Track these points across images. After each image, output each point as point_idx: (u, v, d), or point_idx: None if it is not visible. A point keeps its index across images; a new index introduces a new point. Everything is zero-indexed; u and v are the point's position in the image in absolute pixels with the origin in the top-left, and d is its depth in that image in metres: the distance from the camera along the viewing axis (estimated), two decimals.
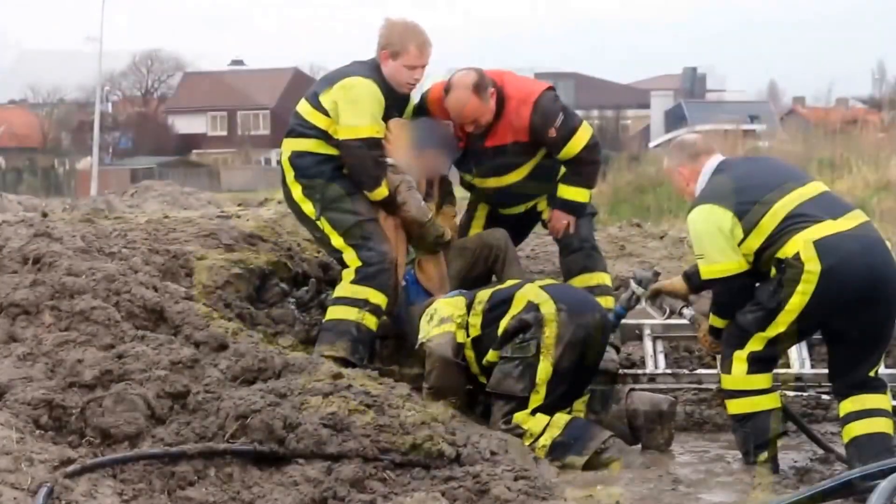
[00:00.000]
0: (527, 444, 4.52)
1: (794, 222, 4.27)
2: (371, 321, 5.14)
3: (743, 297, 4.39)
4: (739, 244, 4.32)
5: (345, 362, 4.97)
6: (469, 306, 4.81)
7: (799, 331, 4.39)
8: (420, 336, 4.87)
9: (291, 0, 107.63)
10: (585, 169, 5.41)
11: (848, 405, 4.37)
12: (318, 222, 5.24)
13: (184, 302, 4.82)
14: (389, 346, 5.56)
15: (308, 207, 5.25)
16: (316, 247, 6.28)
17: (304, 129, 5.26)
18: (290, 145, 5.30)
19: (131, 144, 55.71)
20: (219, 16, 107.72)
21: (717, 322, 4.53)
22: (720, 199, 4.36)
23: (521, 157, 5.41)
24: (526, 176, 5.47)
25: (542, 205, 5.59)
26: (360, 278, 5.14)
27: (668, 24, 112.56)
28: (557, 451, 4.51)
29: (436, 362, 4.76)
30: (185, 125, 58.26)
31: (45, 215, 6.54)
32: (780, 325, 4.31)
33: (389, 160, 5.21)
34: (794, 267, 4.23)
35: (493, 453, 4.03)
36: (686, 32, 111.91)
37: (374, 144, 5.18)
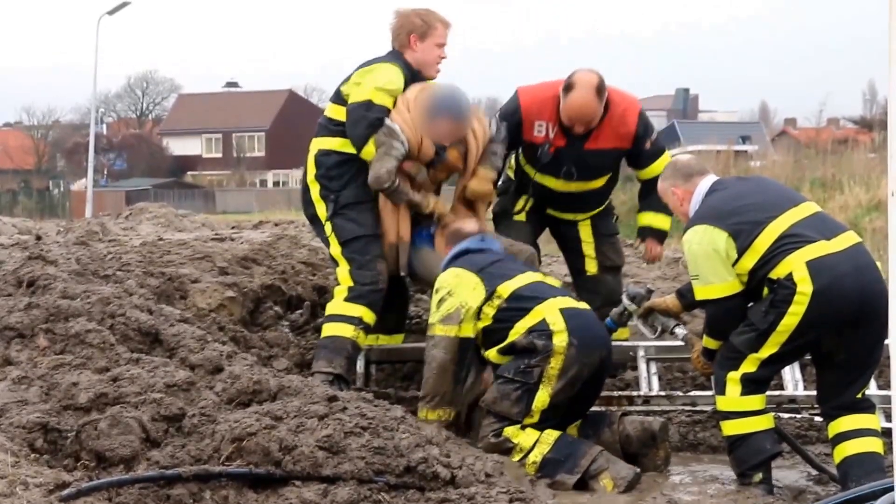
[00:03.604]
0: (516, 458, 4.53)
1: (788, 242, 4.28)
2: (363, 339, 5.21)
3: (737, 319, 4.40)
4: (734, 264, 4.34)
5: (340, 379, 5.00)
6: (488, 295, 4.68)
7: (791, 351, 4.40)
8: (429, 319, 4.77)
9: (286, 22, 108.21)
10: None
11: (838, 426, 4.38)
12: (326, 224, 5.28)
13: (179, 325, 4.83)
14: (385, 369, 5.57)
15: (322, 209, 5.30)
16: (311, 270, 6.31)
17: (330, 127, 5.33)
18: (318, 144, 5.37)
19: (126, 166, 55.76)
20: (213, 37, 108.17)
21: (711, 343, 4.54)
22: (715, 220, 4.38)
23: (612, 164, 5.51)
24: (604, 183, 5.54)
25: (585, 231, 5.64)
26: (354, 296, 5.18)
27: (660, 45, 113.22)
28: (548, 468, 4.50)
29: (434, 370, 4.73)
30: (179, 147, 58.33)
31: (39, 238, 6.57)
32: (772, 345, 4.32)
33: (388, 122, 5.16)
34: (786, 288, 4.25)
35: (488, 475, 4.03)
36: (679, 53, 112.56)
37: (372, 108, 5.16)
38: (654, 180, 5.24)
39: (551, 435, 4.58)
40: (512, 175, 5.72)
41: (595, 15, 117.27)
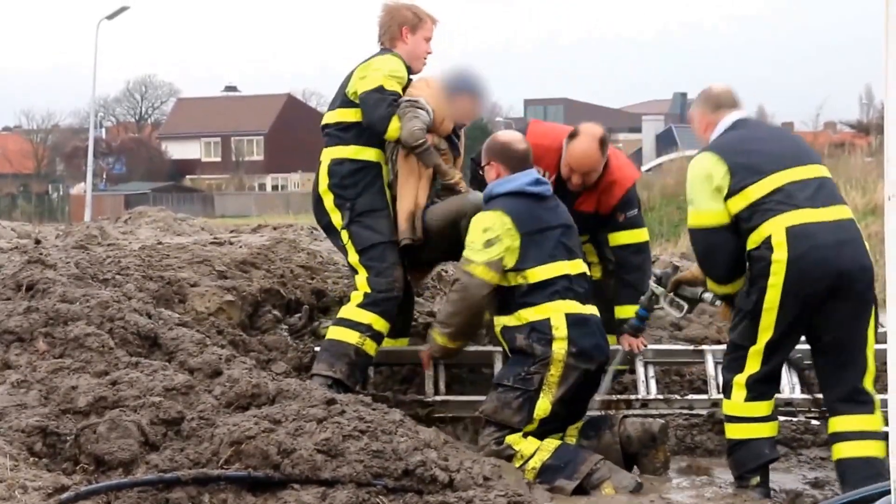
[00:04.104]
0: (516, 465, 4.55)
1: (775, 201, 4.24)
2: (371, 347, 5.16)
3: (724, 255, 4.35)
4: (724, 200, 4.30)
5: (339, 384, 5.00)
6: (516, 267, 4.70)
7: (786, 334, 4.32)
8: (465, 253, 4.76)
9: (285, 24, 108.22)
10: (632, 276, 5.32)
11: (838, 423, 4.34)
12: (342, 232, 5.27)
13: (177, 328, 4.84)
14: (383, 372, 5.58)
15: (337, 218, 5.28)
16: (309, 274, 6.32)
17: (339, 134, 5.29)
18: (330, 153, 5.33)
19: (125, 170, 55.78)
20: (212, 41, 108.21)
21: (714, 287, 4.51)
22: (722, 152, 4.37)
23: (593, 227, 5.38)
24: (586, 240, 5.45)
25: (587, 247, 5.50)
26: (368, 303, 5.17)
27: (660, 46, 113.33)
28: (547, 473, 4.52)
29: (472, 308, 4.74)
30: (178, 151, 58.36)
31: (38, 242, 6.58)
32: (766, 329, 4.29)
33: (408, 98, 5.15)
34: (762, 259, 4.23)
35: (486, 479, 4.03)
36: (679, 54, 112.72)
37: (385, 91, 5.14)
38: (625, 253, 5.31)
39: (552, 443, 4.60)
40: None
41: (596, 16, 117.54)
